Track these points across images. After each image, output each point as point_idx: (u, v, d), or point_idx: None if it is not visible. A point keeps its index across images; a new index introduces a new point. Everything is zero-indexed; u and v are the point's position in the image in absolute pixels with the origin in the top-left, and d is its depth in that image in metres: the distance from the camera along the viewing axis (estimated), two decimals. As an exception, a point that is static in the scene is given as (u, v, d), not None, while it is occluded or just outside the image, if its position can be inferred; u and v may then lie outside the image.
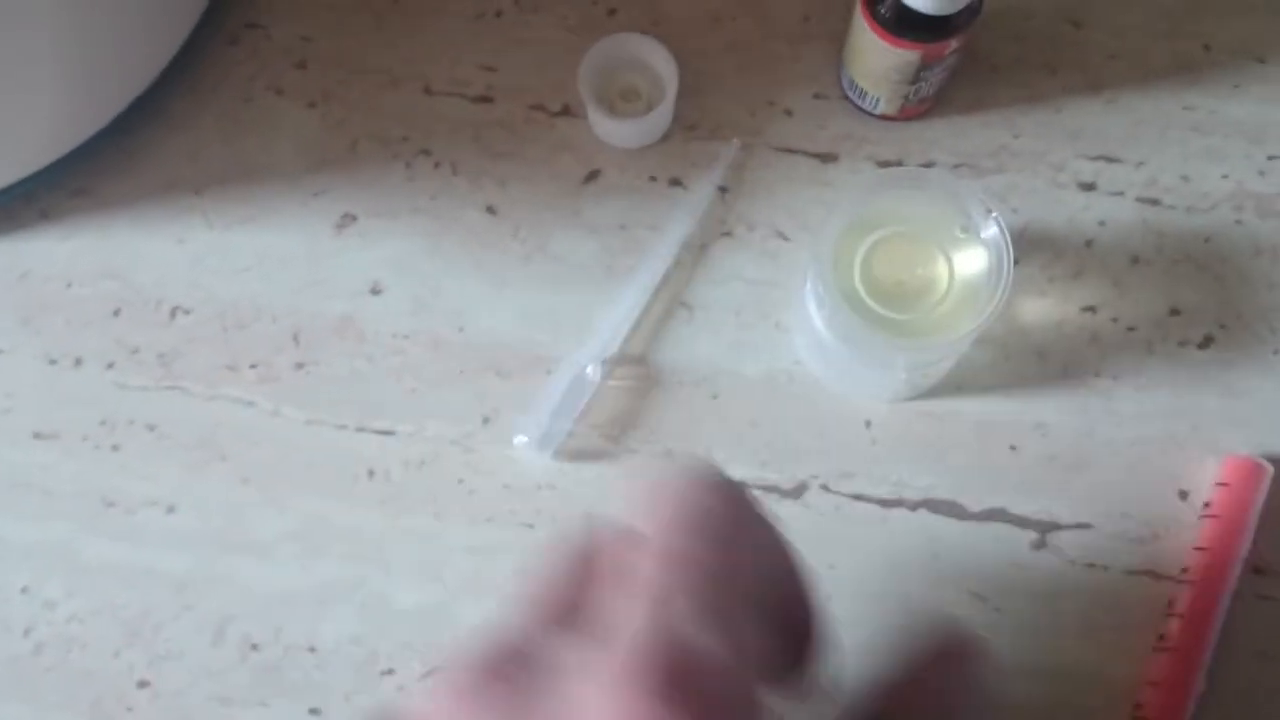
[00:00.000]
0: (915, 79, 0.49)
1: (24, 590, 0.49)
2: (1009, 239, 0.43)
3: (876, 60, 0.49)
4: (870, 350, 0.46)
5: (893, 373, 0.47)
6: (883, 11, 0.47)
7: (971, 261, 0.45)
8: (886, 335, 0.44)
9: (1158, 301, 0.50)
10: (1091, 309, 0.50)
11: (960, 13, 0.46)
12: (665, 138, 0.54)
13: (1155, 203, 0.52)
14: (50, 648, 0.48)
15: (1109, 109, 0.53)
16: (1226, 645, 0.45)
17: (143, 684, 0.47)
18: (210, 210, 0.53)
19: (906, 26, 0.47)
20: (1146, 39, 0.54)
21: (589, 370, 0.49)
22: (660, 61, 0.52)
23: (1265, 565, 0.47)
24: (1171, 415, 0.49)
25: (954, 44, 0.48)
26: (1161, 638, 0.46)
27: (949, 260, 0.45)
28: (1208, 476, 0.48)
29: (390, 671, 0.47)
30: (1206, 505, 0.47)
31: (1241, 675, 0.46)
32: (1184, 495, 0.48)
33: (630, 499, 0.27)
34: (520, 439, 0.48)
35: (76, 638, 0.48)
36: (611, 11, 0.55)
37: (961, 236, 0.45)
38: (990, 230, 0.44)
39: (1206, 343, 0.50)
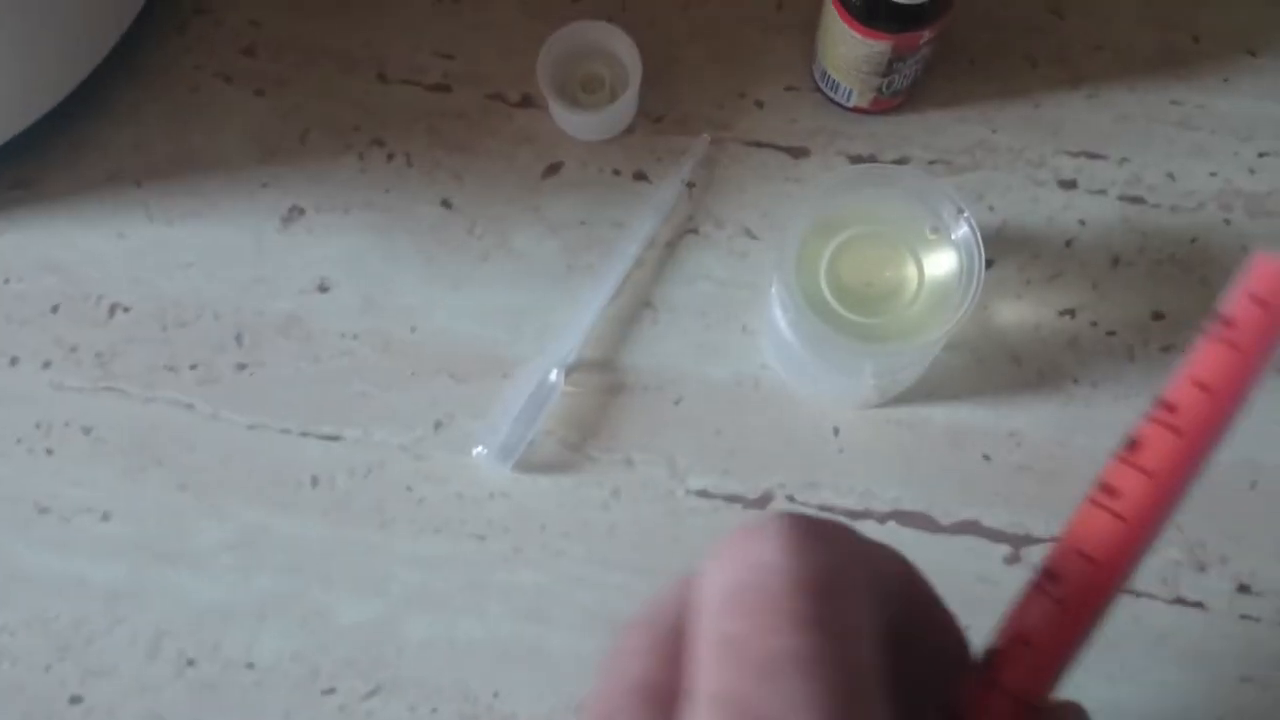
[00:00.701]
0: (888, 71, 0.47)
1: (-48, 600, 0.47)
2: (980, 239, 0.41)
3: (848, 51, 0.47)
4: (836, 355, 0.44)
5: (860, 378, 0.45)
6: (854, 0, 0.45)
7: (942, 263, 0.43)
8: (853, 340, 0.42)
9: (1140, 305, 0.48)
10: (1070, 312, 0.48)
11: (933, 3, 0.44)
12: (629, 130, 0.51)
13: (1139, 201, 0.50)
14: (-22, 661, 0.46)
15: (1091, 103, 0.51)
16: (1212, 667, 0.43)
17: (75, 699, 0.45)
18: (152, 203, 0.51)
19: (877, 16, 0.45)
20: (1132, 29, 0.52)
21: (553, 376, 0.47)
22: (624, 50, 0.50)
23: (1251, 582, 0.45)
24: (1153, 424, 0.47)
25: (927, 35, 0.46)
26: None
27: (919, 262, 0.43)
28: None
29: (331, 690, 0.45)
30: (1222, 320, 0.27)
31: (1226, 699, 0.44)
32: (1165, 508, 0.46)
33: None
34: (479, 450, 0.46)
35: (6, 650, 0.46)
36: (575, -3, 0.53)
37: (931, 237, 0.43)
38: (961, 231, 0.42)
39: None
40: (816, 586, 0.20)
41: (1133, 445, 0.29)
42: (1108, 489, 0.29)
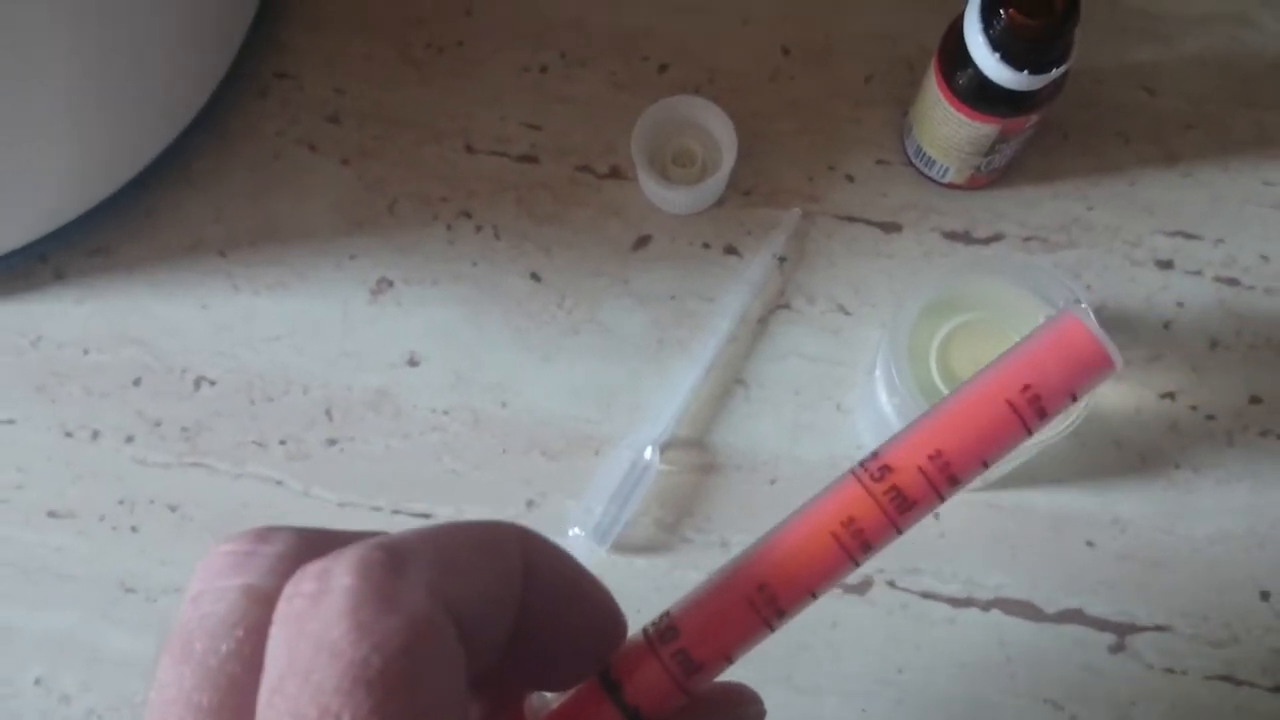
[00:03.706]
0: (990, 151, 0.47)
1: (37, 682, 0.45)
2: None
3: (950, 131, 0.46)
4: (945, 444, 0.43)
5: (968, 467, 0.45)
6: (961, 82, 0.45)
7: (1057, 354, 0.42)
8: (965, 430, 0.41)
9: (1238, 389, 0.48)
10: (1170, 395, 0.48)
11: (1044, 87, 0.44)
12: (719, 202, 0.51)
13: (1234, 283, 0.49)
14: (64, 747, 0.45)
15: (1185, 182, 0.51)
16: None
17: (163, 787, 0.44)
18: (237, 273, 0.50)
19: (986, 100, 0.44)
20: (1225, 108, 0.52)
21: (647, 454, 0.46)
22: (719, 126, 0.49)
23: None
24: (1252, 511, 0.47)
25: (1034, 118, 0.45)
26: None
27: (1032, 352, 0.43)
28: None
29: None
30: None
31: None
32: (1265, 596, 0.46)
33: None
34: (574, 532, 0.46)
35: (92, 735, 0.45)
36: (663, 67, 0.53)
37: (1046, 327, 0.42)
38: (1080, 324, 0.41)
39: (1289, 433, 0.48)
40: (384, 678, 0.17)
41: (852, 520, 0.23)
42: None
